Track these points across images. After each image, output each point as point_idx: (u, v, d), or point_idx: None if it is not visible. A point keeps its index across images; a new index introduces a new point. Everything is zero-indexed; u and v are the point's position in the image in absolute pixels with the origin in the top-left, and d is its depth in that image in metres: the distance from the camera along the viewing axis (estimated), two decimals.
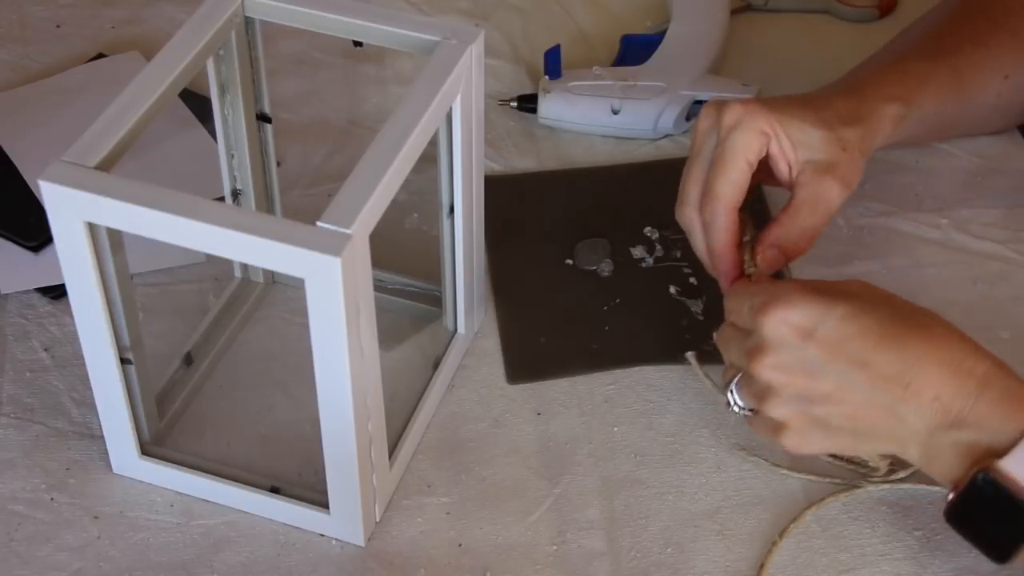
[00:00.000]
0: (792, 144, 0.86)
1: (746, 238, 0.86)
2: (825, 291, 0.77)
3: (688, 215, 0.87)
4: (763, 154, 0.85)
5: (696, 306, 0.96)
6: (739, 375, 0.80)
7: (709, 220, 0.85)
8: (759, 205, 1.03)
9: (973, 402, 0.74)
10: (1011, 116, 1.05)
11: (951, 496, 0.75)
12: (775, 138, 0.85)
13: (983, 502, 0.74)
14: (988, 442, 0.74)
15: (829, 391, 0.76)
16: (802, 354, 0.76)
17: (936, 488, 0.84)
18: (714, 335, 0.84)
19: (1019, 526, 0.73)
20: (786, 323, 0.76)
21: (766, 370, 0.77)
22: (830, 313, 0.75)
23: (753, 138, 0.84)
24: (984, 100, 1.00)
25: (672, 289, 0.97)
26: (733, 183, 0.84)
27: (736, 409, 0.81)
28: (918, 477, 0.85)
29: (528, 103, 1.09)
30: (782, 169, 0.86)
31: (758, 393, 0.79)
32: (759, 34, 1.19)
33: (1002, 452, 0.73)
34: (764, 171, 0.86)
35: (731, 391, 0.81)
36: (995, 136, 1.07)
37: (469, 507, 0.85)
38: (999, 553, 0.75)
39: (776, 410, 0.78)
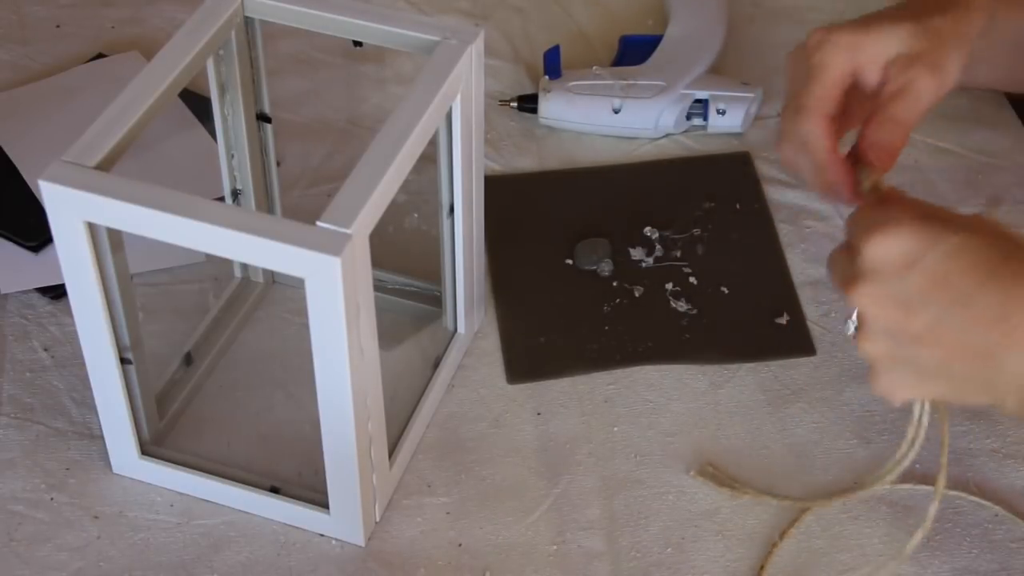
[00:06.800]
0: (880, 48, 0.82)
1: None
2: (939, 219, 0.71)
3: (787, 149, 0.83)
4: (850, 68, 0.82)
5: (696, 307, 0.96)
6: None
7: (805, 136, 0.81)
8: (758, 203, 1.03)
9: None
10: None
11: None
12: (860, 50, 0.82)
13: None
14: None
15: (922, 329, 0.70)
16: (900, 285, 0.70)
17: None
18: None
19: None
20: (889, 249, 0.70)
21: (859, 298, 0.72)
22: (939, 244, 0.69)
23: (838, 52, 0.81)
24: None
25: (672, 289, 0.97)
26: (819, 97, 0.81)
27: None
28: (917, 478, 0.85)
29: (528, 103, 1.09)
30: (872, 77, 0.83)
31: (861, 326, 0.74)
32: (759, 34, 1.19)
33: None
34: (853, 115, 0.84)
35: (852, 320, 0.75)
36: (995, 131, 1.07)
37: (469, 507, 0.85)
38: None
39: (866, 346, 0.73)
